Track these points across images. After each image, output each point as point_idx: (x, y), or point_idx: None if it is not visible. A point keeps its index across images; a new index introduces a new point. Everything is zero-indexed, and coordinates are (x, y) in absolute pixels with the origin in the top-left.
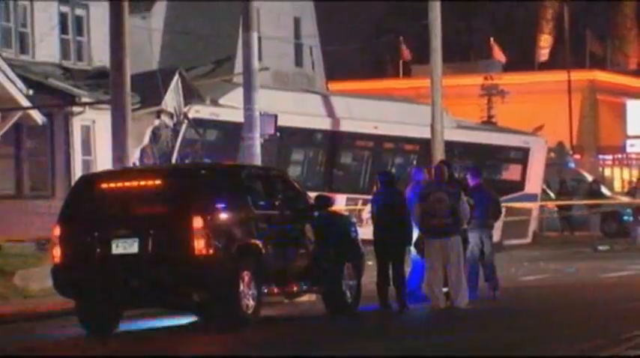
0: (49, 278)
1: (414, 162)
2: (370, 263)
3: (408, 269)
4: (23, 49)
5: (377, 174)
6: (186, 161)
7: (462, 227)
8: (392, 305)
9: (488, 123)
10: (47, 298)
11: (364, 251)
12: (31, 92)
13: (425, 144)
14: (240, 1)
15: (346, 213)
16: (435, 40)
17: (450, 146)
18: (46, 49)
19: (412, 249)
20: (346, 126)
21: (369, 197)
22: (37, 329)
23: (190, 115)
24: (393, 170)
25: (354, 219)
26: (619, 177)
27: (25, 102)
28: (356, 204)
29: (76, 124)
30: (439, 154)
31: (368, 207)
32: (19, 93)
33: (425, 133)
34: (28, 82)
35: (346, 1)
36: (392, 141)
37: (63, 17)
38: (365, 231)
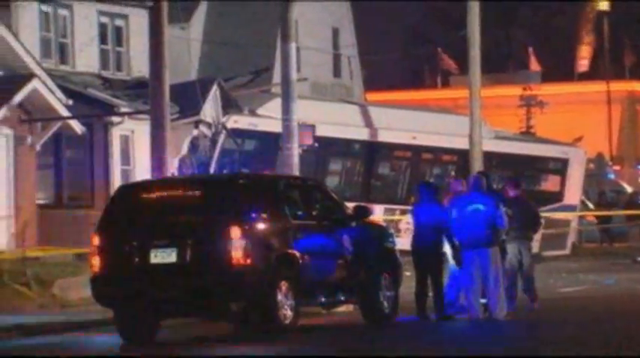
0: (87, 287)
1: (452, 173)
2: (408, 273)
3: (446, 280)
4: (63, 60)
5: (418, 185)
6: (225, 171)
7: (501, 238)
8: (430, 316)
9: (527, 134)
10: (86, 307)
11: (402, 261)
12: (70, 102)
13: (463, 155)
14: (279, 11)
15: (384, 224)
16: (473, 51)
17: (488, 157)
18: (86, 59)
19: (450, 259)
20: (384, 137)
21: (407, 207)
22: (76, 338)
23: (229, 125)
24: (431, 180)
25: (392, 230)
26: None
27: (65, 112)
28: (393, 215)
29: (115, 134)
30: (477, 165)
31: (406, 218)
32: (58, 103)
33: (463, 144)
34: (68, 92)
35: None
36: (430, 152)
37: (102, 28)
38: (402, 242)
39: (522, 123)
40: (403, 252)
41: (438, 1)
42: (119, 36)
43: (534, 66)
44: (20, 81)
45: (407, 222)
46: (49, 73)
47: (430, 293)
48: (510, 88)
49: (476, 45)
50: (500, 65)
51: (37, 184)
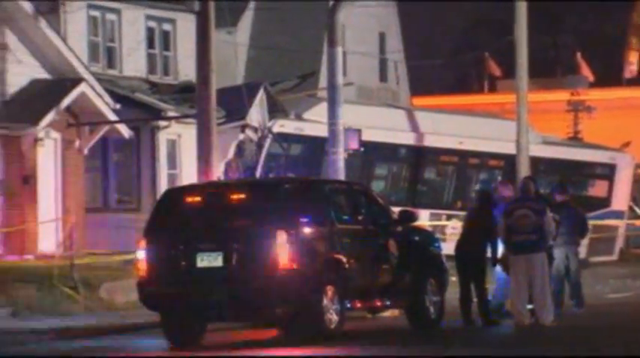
0: (134, 291)
1: (499, 178)
2: (454, 278)
3: (492, 286)
4: (111, 64)
5: (477, 192)
6: (270, 175)
7: (548, 243)
8: (475, 321)
9: (574, 139)
10: (132, 311)
11: (447, 266)
12: (118, 106)
13: (510, 160)
14: (326, 16)
15: (430, 229)
16: (520, 56)
17: (535, 162)
18: (133, 63)
19: (497, 265)
20: (431, 142)
21: (453, 212)
22: (124, 341)
23: (275, 130)
24: (477, 186)
25: (438, 235)
26: None
27: (113, 116)
28: (440, 220)
29: (162, 138)
30: (524, 170)
31: (452, 223)
32: (106, 107)
33: (510, 149)
34: (116, 96)
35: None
36: (477, 157)
37: (150, 32)
38: (448, 247)
39: (570, 129)
40: (449, 257)
41: (485, 1)
42: (166, 40)
43: (583, 71)
44: (68, 85)
45: (452, 226)
46: (97, 77)
47: (475, 299)
48: (558, 92)
49: (523, 49)
50: (548, 70)
51: (84, 188)
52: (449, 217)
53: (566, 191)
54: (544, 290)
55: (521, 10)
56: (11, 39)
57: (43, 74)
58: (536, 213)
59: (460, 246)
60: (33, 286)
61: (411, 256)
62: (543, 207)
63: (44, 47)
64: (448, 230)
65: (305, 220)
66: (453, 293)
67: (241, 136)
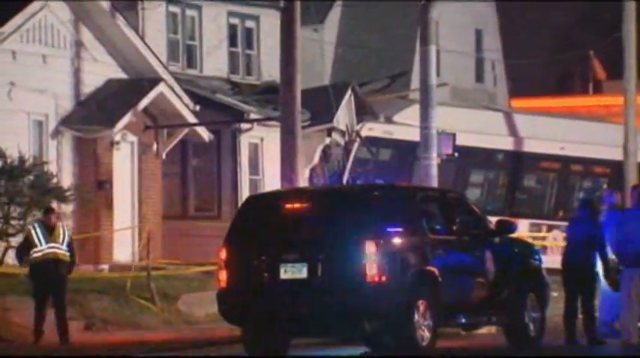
0: (214, 303)
1: (604, 186)
2: (555, 294)
3: (598, 301)
4: (190, 63)
5: (580, 201)
6: (358, 182)
7: None
8: (580, 339)
9: None
10: (213, 324)
11: (548, 280)
12: (197, 108)
13: (616, 167)
14: (418, 12)
15: (529, 240)
16: (628, 55)
17: None
18: (214, 62)
19: (603, 279)
20: (530, 147)
21: (554, 223)
22: (204, 356)
23: (363, 133)
24: (581, 194)
25: (538, 247)
26: None
27: (192, 119)
28: (540, 230)
29: (244, 142)
30: (632, 177)
31: (553, 234)
32: (185, 109)
33: (616, 155)
34: (195, 98)
35: (530, 13)
36: (580, 163)
37: (232, 29)
38: (549, 259)
39: None
40: (550, 271)
41: (588, 1)
42: (249, 38)
43: None
44: (146, 85)
45: (554, 238)
46: (176, 77)
47: (580, 315)
48: None
49: (631, 49)
50: None
51: (162, 194)
52: (549, 228)
53: None
54: None
55: (630, 9)
56: (87, 36)
57: (119, 74)
58: None
59: (567, 257)
60: (107, 298)
61: (509, 269)
62: None
63: (121, 45)
64: (549, 241)
65: (395, 230)
66: (554, 309)
67: (327, 140)
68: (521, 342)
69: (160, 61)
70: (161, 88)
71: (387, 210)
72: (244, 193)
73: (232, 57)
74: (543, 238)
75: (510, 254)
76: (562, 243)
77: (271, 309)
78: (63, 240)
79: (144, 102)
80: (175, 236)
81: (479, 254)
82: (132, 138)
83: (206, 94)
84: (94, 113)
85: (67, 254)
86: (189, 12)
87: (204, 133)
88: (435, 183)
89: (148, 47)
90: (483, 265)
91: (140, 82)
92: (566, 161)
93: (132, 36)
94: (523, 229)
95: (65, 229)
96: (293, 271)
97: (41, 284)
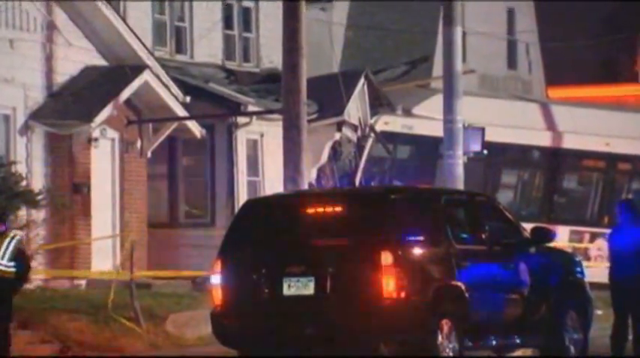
0: (207, 323)
1: None
2: (600, 312)
3: None
4: (179, 48)
5: (618, 203)
6: (373, 183)
7: None
8: None
9: None
10: (205, 347)
11: (592, 296)
12: (188, 99)
13: None
14: None
15: (569, 250)
16: None
17: None
18: (207, 47)
19: None
20: (570, 143)
21: (599, 230)
22: None
23: (378, 128)
24: (630, 196)
25: (580, 258)
26: None
27: (181, 112)
28: (582, 239)
29: (241, 138)
30: None
31: (597, 243)
32: (174, 100)
33: None
34: (185, 87)
35: None
36: (628, 161)
37: (228, 10)
38: (593, 272)
39: None
40: (594, 285)
41: None
42: (247, 20)
43: None
44: (128, 73)
45: (598, 248)
46: (163, 63)
47: (630, 336)
48: None
49: None
50: None
51: (147, 198)
52: (593, 236)
53: None
54: None
55: None
56: (60, 18)
57: (97, 60)
58: None
59: (614, 271)
60: (85, 317)
61: (546, 284)
62: None
63: (100, 28)
64: (592, 252)
65: (415, 239)
66: (599, 329)
67: (337, 136)
68: None
69: (145, 46)
70: (146, 76)
71: (406, 216)
72: (242, 197)
73: (227, 41)
74: (586, 248)
75: (548, 266)
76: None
77: (273, 331)
78: (4, 254)
79: (126, 93)
80: (163, 246)
81: (512, 266)
82: (112, 134)
83: (197, 84)
84: (68, 105)
85: (12, 270)
86: None
87: (196, 128)
88: (460, 184)
89: (131, 30)
90: (517, 279)
91: (122, 70)
92: (612, 159)
93: (112, 17)
94: (563, 237)
95: (13, 240)
96: (298, 286)
97: None
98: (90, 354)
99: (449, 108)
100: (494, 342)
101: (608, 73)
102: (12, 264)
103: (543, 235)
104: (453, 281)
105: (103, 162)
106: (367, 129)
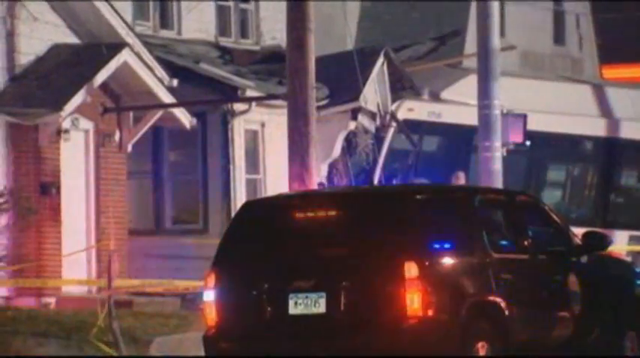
0: (199, 348)
1: None
2: None
3: None
4: (165, 23)
5: None
6: (394, 181)
7: None
8: None
9: None
10: None
11: None
12: (175, 82)
13: None
14: None
15: (629, 259)
16: None
17: None
18: (197, 22)
19: None
20: (629, 132)
21: None
22: None
23: (400, 115)
24: None
25: None
26: None
27: (167, 98)
28: None
29: (238, 128)
30: None
31: None
32: (158, 84)
33: None
34: (172, 69)
35: None
36: None
37: None
38: None
39: None
40: None
41: None
42: None
43: None
44: (105, 53)
45: None
46: (145, 41)
47: None
48: None
49: None
50: None
51: (128, 200)
52: None
53: None
54: None
55: None
56: None
57: (68, 37)
58: None
59: None
60: (55, 342)
61: (601, 299)
62: None
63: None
64: None
65: (445, 246)
66: None
67: (352, 125)
68: None
69: (124, 20)
70: (125, 55)
71: (433, 220)
72: (239, 198)
73: (221, 13)
74: None
75: (603, 278)
76: None
77: (276, 355)
78: None
79: (102, 76)
80: (147, 257)
81: (560, 278)
82: (86, 124)
83: (186, 64)
84: (33, 91)
85: None
86: None
87: (185, 117)
88: (499, 182)
89: (108, 3)
90: (566, 293)
91: (97, 49)
92: None
93: None
94: (621, 244)
95: None
96: (306, 303)
97: None
98: None
99: (484, 91)
100: None
101: None
102: None
103: (597, 241)
104: (490, 296)
105: (75, 158)
106: (387, 118)
